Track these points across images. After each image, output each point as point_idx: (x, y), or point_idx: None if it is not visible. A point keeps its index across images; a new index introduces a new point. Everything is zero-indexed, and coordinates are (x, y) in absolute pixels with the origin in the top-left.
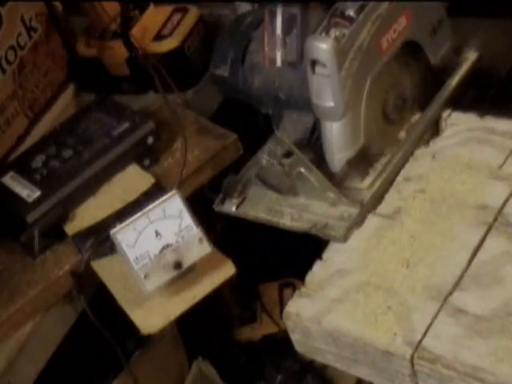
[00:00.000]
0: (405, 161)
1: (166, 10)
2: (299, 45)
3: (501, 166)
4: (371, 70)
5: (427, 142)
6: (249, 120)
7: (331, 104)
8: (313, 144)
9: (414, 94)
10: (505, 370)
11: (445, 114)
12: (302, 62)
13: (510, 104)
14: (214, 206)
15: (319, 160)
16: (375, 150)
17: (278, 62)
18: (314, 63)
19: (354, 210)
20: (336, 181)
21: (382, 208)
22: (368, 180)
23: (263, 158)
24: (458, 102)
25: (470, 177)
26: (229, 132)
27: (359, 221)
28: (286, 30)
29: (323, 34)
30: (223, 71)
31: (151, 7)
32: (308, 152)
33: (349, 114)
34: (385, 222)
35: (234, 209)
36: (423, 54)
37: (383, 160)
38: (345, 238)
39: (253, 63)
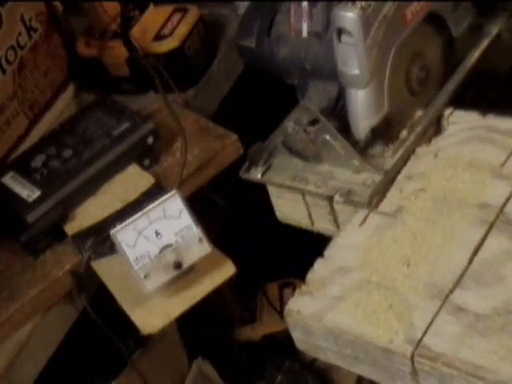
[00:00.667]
0: (406, 159)
1: (166, 10)
2: (325, 15)
3: (502, 165)
4: (396, 40)
5: (429, 141)
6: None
7: (356, 72)
8: (338, 113)
9: (437, 66)
10: (505, 369)
11: (447, 112)
12: (327, 33)
13: (510, 104)
14: (239, 173)
15: (344, 129)
16: (398, 120)
17: (304, 33)
18: (340, 32)
19: (377, 177)
20: (360, 149)
21: (384, 206)
22: (391, 148)
23: (289, 125)
24: (460, 100)
25: (472, 175)
26: (229, 132)
27: (382, 188)
28: (312, 1)
29: (349, 4)
30: (249, 42)
31: (151, 7)
32: (333, 120)
33: (373, 82)
34: (386, 220)
35: (259, 176)
36: (446, 27)
37: (405, 132)
38: (368, 204)
39: (279, 34)
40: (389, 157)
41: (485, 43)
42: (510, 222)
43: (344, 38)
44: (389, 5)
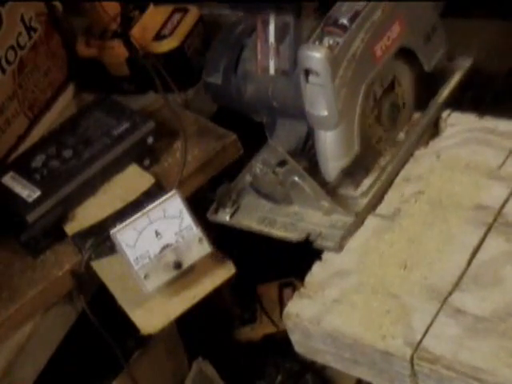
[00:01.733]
0: (404, 161)
1: (166, 10)
2: (292, 53)
3: (500, 167)
4: (365, 78)
5: (427, 143)
6: (242, 128)
7: (325, 113)
8: (307, 152)
9: (409, 101)
10: (505, 371)
11: (444, 114)
12: (295, 71)
13: (510, 104)
14: (207, 215)
15: (313, 168)
16: (370, 158)
17: (271, 71)
18: (307, 72)
19: (348, 219)
20: (330, 189)
21: (382, 209)
22: (362, 188)
23: (257, 166)
24: (458, 102)
25: (470, 177)
26: (229, 132)
27: (353, 230)
28: (279, 38)
29: (316, 43)
30: (216, 79)
31: (151, 7)
32: (302, 161)
33: (343, 122)
34: (384, 222)
35: (227, 218)
36: (417, 61)
37: (377, 166)
38: (339, 248)
39: (246, 71)
40: (360, 197)
41: (458, 76)
42: (508, 224)
43: (311, 78)
44: (357, 43)
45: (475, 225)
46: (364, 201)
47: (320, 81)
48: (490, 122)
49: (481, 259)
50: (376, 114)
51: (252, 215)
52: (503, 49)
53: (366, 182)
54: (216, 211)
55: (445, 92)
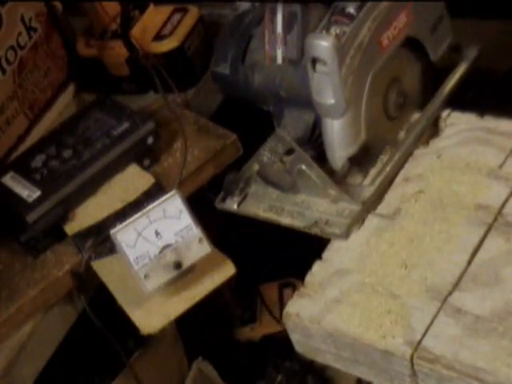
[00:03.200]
0: (404, 161)
1: (166, 9)
2: (300, 42)
3: (500, 166)
4: (372, 67)
5: (427, 142)
6: (250, 117)
7: (332, 101)
8: (314, 141)
9: (415, 90)
10: (504, 370)
11: (444, 113)
12: (302, 60)
13: (510, 103)
14: (215, 203)
15: (320, 157)
16: (376, 147)
17: (279, 60)
18: (314, 61)
19: (355, 207)
20: (337, 178)
21: (382, 208)
22: (369, 177)
23: (264, 155)
24: (458, 101)
25: (470, 177)
26: (229, 132)
27: (360, 218)
28: (287, 28)
29: (323, 32)
30: (224, 69)
31: (151, 7)
32: (309, 149)
33: (350, 111)
34: (384, 222)
35: (235, 206)
36: (424, 51)
37: (384, 157)
38: (346, 236)
39: (254, 61)
40: (367, 186)
41: (464, 66)
42: (508, 224)
43: (319, 67)
44: (364, 32)
45: (475, 224)
46: (371, 189)
47: (327, 69)
48: (490, 122)
49: (481, 259)
50: (383, 102)
51: (259, 203)
52: (503, 49)
53: (373, 171)
54: (224, 199)
55: (450, 83)
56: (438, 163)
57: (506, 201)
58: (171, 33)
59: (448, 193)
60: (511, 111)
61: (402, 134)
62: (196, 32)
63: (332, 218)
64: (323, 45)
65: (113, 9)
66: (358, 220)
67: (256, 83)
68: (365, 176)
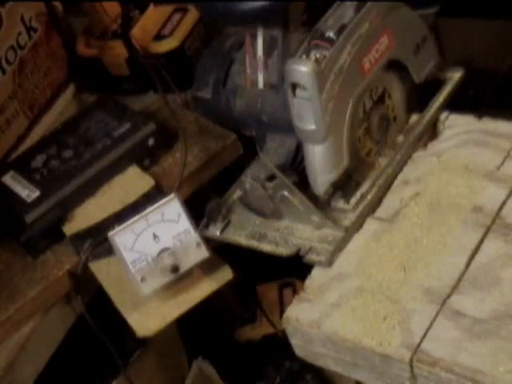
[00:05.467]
0: (403, 164)
1: (166, 10)
2: (280, 67)
3: (499, 168)
4: (353, 92)
5: (425, 145)
6: None
7: (313, 127)
8: (296, 166)
9: (399, 113)
10: (504, 373)
11: (442, 116)
12: (283, 84)
13: (508, 105)
14: (198, 229)
15: (303, 183)
16: (359, 171)
17: (260, 84)
18: (294, 86)
19: (338, 234)
20: (320, 203)
21: (381, 211)
22: (353, 201)
23: (246, 181)
24: (457, 102)
25: (468, 179)
26: (229, 132)
27: (344, 244)
28: (268, 52)
29: (303, 57)
30: (206, 93)
31: (151, 7)
32: (291, 175)
33: (331, 136)
34: (383, 225)
35: (218, 233)
36: (407, 73)
37: (368, 182)
38: (329, 263)
39: (235, 85)
40: (350, 210)
41: (449, 88)
42: (506, 226)
43: (299, 92)
44: (344, 56)
45: (474, 227)
46: (354, 215)
47: (307, 95)
48: (488, 124)
49: (479, 261)
50: (366, 126)
51: (242, 230)
52: (503, 49)
53: (357, 195)
54: (207, 226)
55: (436, 103)
56: (436, 166)
57: (504, 203)
58: (171, 33)
59: (447, 195)
60: (509, 113)
61: (400, 138)
62: (196, 32)
63: (315, 245)
64: (302, 70)
65: (113, 9)
66: (342, 247)
67: (238, 107)
68: (348, 200)
